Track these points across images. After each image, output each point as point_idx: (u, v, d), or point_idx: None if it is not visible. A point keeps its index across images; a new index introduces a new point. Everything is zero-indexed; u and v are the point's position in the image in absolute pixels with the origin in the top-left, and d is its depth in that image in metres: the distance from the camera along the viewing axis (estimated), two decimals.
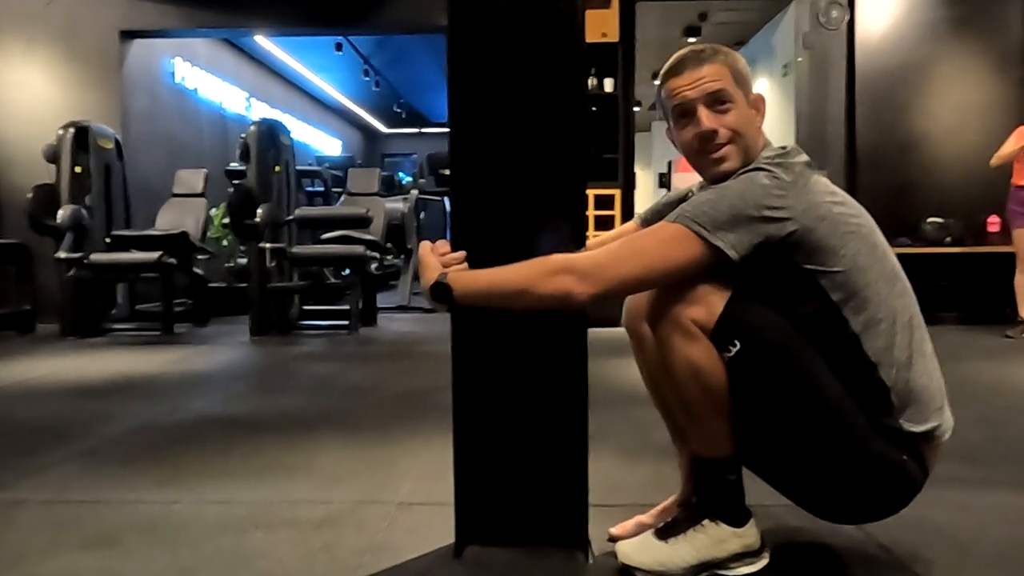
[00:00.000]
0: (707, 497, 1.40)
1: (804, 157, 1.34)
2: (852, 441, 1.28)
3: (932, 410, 1.30)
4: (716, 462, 1.37)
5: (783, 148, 1.36)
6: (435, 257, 1.39)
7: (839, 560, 1.48)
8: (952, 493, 1.86)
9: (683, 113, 1.39)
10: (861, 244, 1.30)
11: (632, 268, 1.26)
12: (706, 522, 1.38)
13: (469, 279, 1.32)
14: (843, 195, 1.35)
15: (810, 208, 1.27)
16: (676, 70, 1.39)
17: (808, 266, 1.28)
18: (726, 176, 1.35)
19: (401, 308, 6.84)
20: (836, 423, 1.28)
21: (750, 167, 1.32)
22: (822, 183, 1.33)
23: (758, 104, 1.41)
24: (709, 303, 1.29)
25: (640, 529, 1.51)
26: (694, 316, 1.29)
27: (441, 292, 1.31)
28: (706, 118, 1.36)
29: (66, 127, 5.56)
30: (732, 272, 1.29)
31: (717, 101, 1.36)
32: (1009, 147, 4.83)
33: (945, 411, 1.33)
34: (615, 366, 3.43)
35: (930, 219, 5.56)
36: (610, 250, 1.29)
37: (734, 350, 1.27)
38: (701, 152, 1.38)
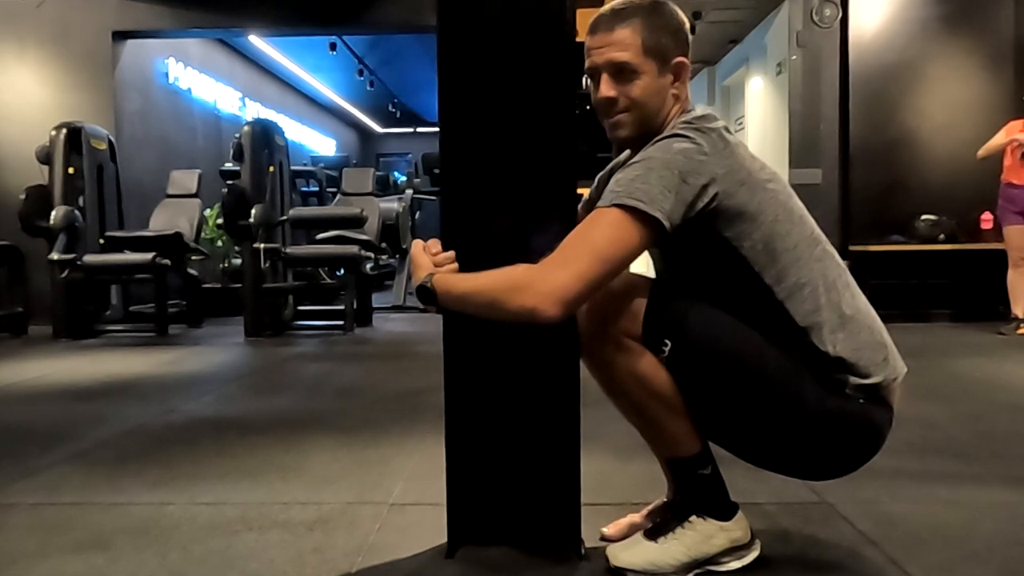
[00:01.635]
0: (689, 495, 1.41)
1: (721, 122, 1.33)
2: (807, 402, 1.28)
3: (875, 364, 1.29)
4: (686, 460, 1.37)
5: (703, 112, 1.34)
6: (426, 256, 1.38)
7: (830, 557, 1.49)
8: (942, 489, 1.87)
9: (592, 75, 1.38)
10: (779, 209, 1.30)
11: (590, 267, 1.20)
12: (693, 518, 1.39)
13: (449, 285, 1.29)
14: (761, 161, 1.34)
15: (730, 172, 1.26)
16: (592, 28, 1.37)
17: (728, 234, 1.27)
18: (622, 142, 1.38)
19: (396, 308, 6.84)
20: (785, 392, 1.28)
21: (667, 133, 1.30)
22: (741, 147, 1.32)
23: (678, 70, 1.36)
24: (632, 311, 1.30)
25: (632, 529, 1.51)
26: (622, 328, 1.30)
27: (426, 294, 1.31)
28: (605, 86, 1.35)
29: (59, 128, 5.55)
30: (661, 246, 1.29)
31: (620, 71, 1.33)
32: (998, 140, 4.84)
33: (891, 361, 1.32)
34: None
35: (923, 216, 5.58)
36: (568, 256, 1.22)
37: (667, 349, 1.29)
38: (602, 115, 1.39)
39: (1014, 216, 4.82)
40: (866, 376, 1.28)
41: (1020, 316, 4.78)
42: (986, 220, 5.51)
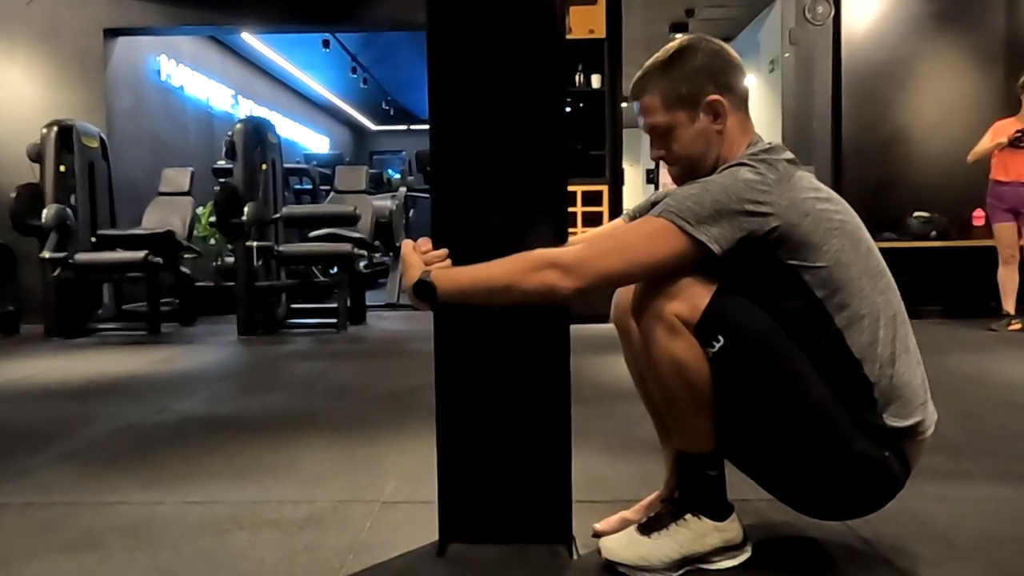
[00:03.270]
0: (689, 491, 1.41)
1: (788, 154, 1.35)
2: (834, 439, 1.29)
3: (915, 406, 1.30)
4: (698, 457, 1.37)
5: (769, 144, 1.36)
6: (417, 255, 1.38)
7: (820, 553, 1.49)
8: (932, 486, 1.87)
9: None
10: (845, 240, 1.30)
11: (615, 262, 1.27)
12: (688, 516, 1.39)
13: (452, 277, 1.32)
14: (827, 191, 1.36)
15: (793, 204, 1.27)
16: (631, 97, 1.45)
17: (791, 261, 1.28)
18: (681, 183, 1.39)
19: (390, 306, 6.83)
20: (818, 421, 1.29)
21: (733, 162, 1.33)
22: (806, 179, 1.33)
23: (714, 109, 1.37)
24: (693, 299, 1.29)
25: (624, 524, 1.51)
26: (677, 311, 1.29)
27: (424, 290, 1.31)
28: (652, 147, 1.43)
29: (50, 126, 5.52)
30: (716, 267, 1.30)
31: (655, 134, 1.41)
32: (985, 144, 4.87)
33: (928, 406, 1.34)
34: (600, 363, 3.44)
35: (915, 213, 5.60)
36: (593, 244, 1.30)
37: (717, 346, 1.28)
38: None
39: (1003, 213, 4.84)
40: (904, 417, 1.29)
41: (1011, 312, 4.81)
42: (978, 217, 5.54)
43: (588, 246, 1.30)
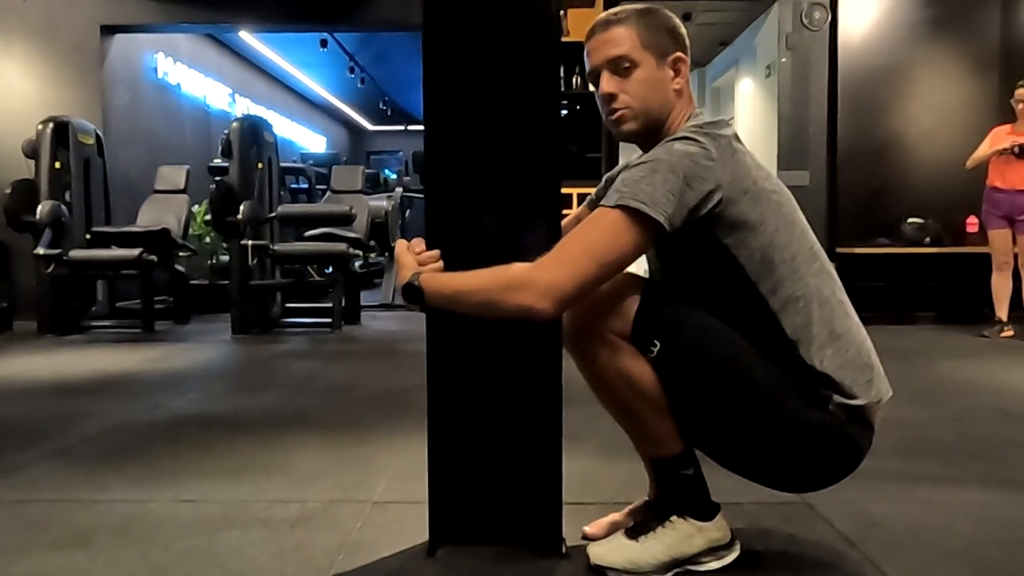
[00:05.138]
0: (670, 494, 1.42)
1: (732, 130, 1.36)
2: (788, 417, 1.29)
3: (859, 384, 1.30)
4: (669, 460, 1.38)
5: (712, 120, 1.36)
6: (411, 256, 1.38)
7: (809, 556, 1.50)
8: (922, 490, 1.88)
9: (593, 78, 1.43)
10: (780, 221, 1.31)
11: (588, 268, 1.22)
12: (673, 518, 1.39)
13: (439, 284, 1.30)
14: (767, 171, 1.36)
15: (735, 180, 1.28)
16: (589, 33, 1.42)
17: (727, 241, 1.28)
18: (627, 136, 1.39)
19: (384, 306, 6.83)
20: (768, 400, 1.29)
21: (676, 135, 1.31)
22: (748, 156, 1.34)
23: (678, 66, 1.39)
24: (623, 311, 1.31)
25: (613, 528, 1.52)
26: (612, 327, 1.31)
27: (413, 294, 1.30)
28: (606, 82, 1.38)
29: (45, 122, 5.51)
30: (659, 247, 1.33)
31: (619, 65, 1.37)
32: (983, 150, 4.89)
33: (875, 383, 1.32)
34: None
35: (909, 219, 5.62)
36: (564, 255, 1.24)
37: (655, 350, 1.30)
38: (606, 114, 1.42)
39: (998, 220, 4.86)
40: (850, 396, 1.29)
41: (1003, 319, 4.83)
42: (971, 224, 5.56)
43: (560, 261, 1.23)
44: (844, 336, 1.31)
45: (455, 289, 1.28)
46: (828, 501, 1.76)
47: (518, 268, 1.24)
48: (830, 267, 1.37)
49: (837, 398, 1.29)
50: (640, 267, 1.43)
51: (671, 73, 1.39)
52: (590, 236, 1.25)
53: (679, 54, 1.39)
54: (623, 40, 1.37)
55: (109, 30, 6.37)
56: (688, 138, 1.29)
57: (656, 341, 1.29)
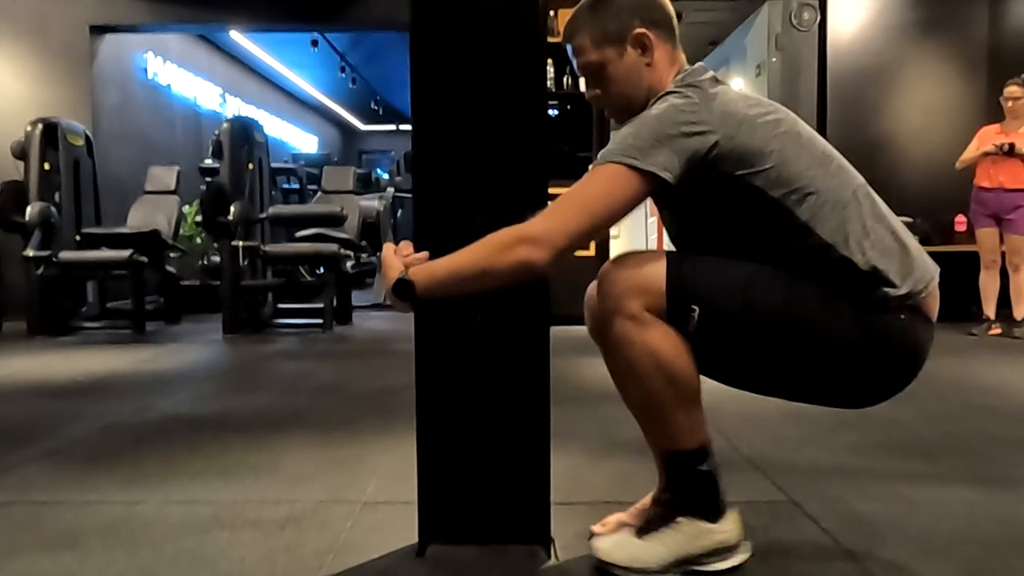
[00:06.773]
0: (680, 492, 1.39)
1: (710, 73, 1.37)
2: (847, 335, 1.28)
3: (904, 270, 1.30)
4: (685, 454, 1.36)
5: (689, 70, 1.38)
6: (398, 258, 1.38)
7: (793, 554, 1.51)
8: (906, 488, 1.90)
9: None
10: (784, 138, 1.31)
11: (581, 220, 1.25)
12: (680, 519, 1.38)
13: (429, 271, 1.30)
14: (756, 97, 1.37)
15: (726, 116, 1.29)
16: (563, 40, 1.48)
17: (740, 172, 1.29)
18: (621, 123, 1.40)
19: (376, 306, 6.82)
20: (824, 328, 1.28)
21: (661, 93, 1.35)
22: (731, 91, 1.35)
23: (640, 42, 1.39)
24: (651, 285, 1.29)
25: (621, 526, 1.51)
26: (643, 303, 1.28)
27: (403, 289, 1.29)
28: (587, 87, 1.47)
29: (35, 123, 5.49)
30: (670, 201, 1.35)
31: (589, 72, 1.43)
32: (972, 151, 4.92)
33: (918, 264, 1.33)
34: (582, 364, 3.45)
35: (898, 218, 5.64)
36: (554, 208, 1.27)
37: (695, 316, 1.27)
38: (598, 108, 1.49)
39: (985, 219, 4.90)
40: (898, 285, 1.28)
41: (991, 317, 4.87)
42: (960, 222, 5.59)
43: (551, 213, 1.27)
44: (878, 226, 1.31)
45: (447, 269, 1.28)
46: (814, 499, 1.78)
47: (507, 230, 1.26)
48: (847, 164, 1.37)
49: (887, 291, 1.28)
50: (626, 246, 1.44)
51: (637, 52, 1.40)
52: (582, 191, 1.28)
53: (637, 30, 1.39)
54: (582, 49, 1.42)
55: (99, 30, 6.36)
56: (670, 92, 1.33)
57: (694, 306, 1.27)
